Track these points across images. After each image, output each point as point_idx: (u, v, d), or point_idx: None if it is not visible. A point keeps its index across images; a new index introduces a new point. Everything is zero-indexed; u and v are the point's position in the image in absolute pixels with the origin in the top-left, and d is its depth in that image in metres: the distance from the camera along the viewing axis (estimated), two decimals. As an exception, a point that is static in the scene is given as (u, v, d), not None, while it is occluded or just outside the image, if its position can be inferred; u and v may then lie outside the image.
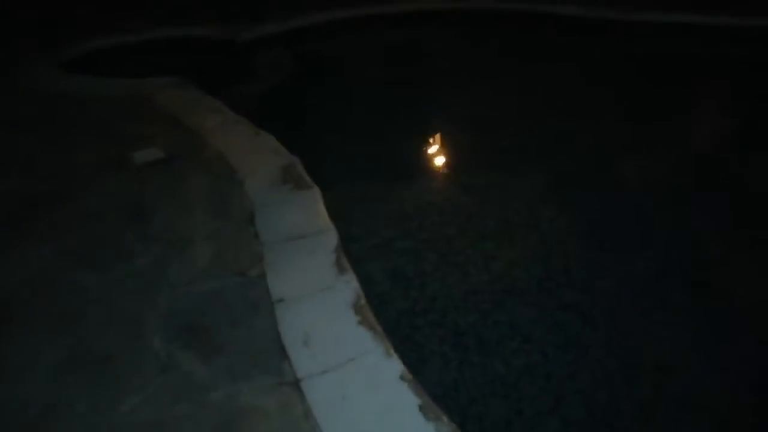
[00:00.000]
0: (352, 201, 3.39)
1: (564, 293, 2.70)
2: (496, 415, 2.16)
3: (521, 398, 2.22)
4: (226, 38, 5.92)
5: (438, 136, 4.30)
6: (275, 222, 2.75)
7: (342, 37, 6.45)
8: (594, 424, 2.14)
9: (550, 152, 3.98)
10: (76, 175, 3.26)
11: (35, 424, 1.82)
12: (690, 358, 2.37)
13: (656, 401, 2.22)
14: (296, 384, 1.88)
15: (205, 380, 1.91)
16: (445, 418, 1.75)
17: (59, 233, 2.74)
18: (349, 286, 2.28)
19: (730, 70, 5.38)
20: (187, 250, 2.56)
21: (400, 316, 2.59)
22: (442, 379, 2.28)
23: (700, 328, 2.50)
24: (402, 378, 1.88)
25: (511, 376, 2.29)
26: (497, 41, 6.41)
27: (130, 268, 2.46)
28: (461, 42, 6.51)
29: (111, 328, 2.15)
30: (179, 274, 2.41)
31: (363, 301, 2.20)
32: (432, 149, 4.18)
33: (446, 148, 4.20)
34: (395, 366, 1.92)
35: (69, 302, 2.29)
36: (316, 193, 2.95)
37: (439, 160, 4.04)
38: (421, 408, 1.77)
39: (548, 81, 5.27)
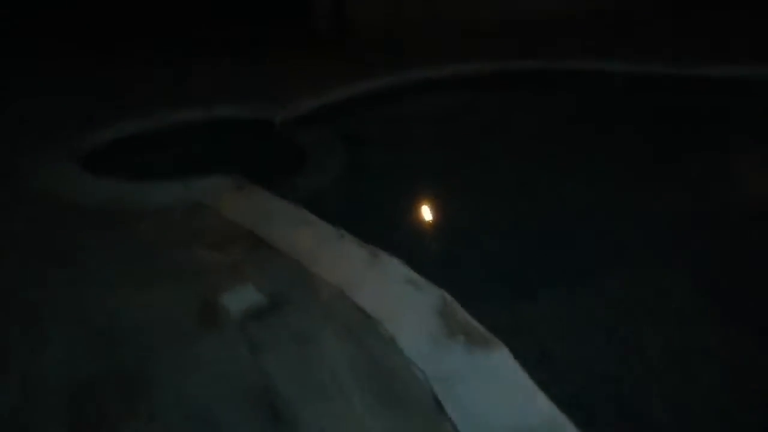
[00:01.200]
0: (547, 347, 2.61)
1: None
2: None
3: None
4: (262, 118, 5.17)
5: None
6: (474, 409, 1.96)
7: (388, 108, 5.79)
8: None
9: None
10: (152, 342, 2.39)
11: None
12: None
13: None
14: None
15: None
16: None
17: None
18: None
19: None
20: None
21: None
22: None
23: None
24: None
25: None
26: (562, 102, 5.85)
27: None
28: (522, 104, 5.93)
29: None
30: None
31: None
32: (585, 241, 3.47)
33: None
34: None
35: None
36: (505, 354, 2.18)
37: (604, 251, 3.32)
38: None
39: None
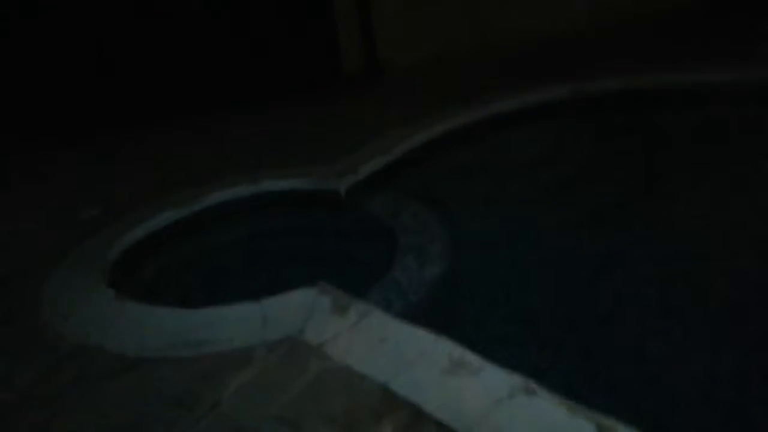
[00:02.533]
0: None
1: None
2: None
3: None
4: (324, 189, 4.18)
5: None
6: None
7: (460, 155, 4.80)
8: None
9: None
10: None
11: None
12: None
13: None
14: None
15: None
16: None
17: None
18: None
19: None
20: None
21: None
22: None
23: None
24: None
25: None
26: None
27: None
28: (620, 131, 4.95)
29: None
30: None
31: None
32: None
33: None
34: None
35: None
36: None
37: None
38: None
39: None
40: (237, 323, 2.74)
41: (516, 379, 2.10)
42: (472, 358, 2.25)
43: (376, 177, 4.35)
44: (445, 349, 2.33)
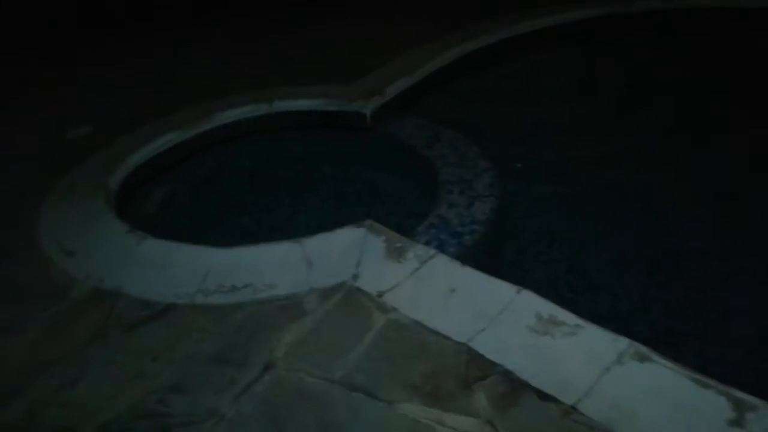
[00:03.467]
0: None
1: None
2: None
3: None
4: (348, 110, 3.73)
5: None
6: None
7: (488, 75, 4.36)
8: None
9: None
10: None
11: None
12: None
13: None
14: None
15: None
16: None
17: None
18: None
19: None
20: None
21: None
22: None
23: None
24: None
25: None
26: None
27: None
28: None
29: None
30: None
31: None
32: None
33: None
34: None
35: None
36: None
37: None
38: None
39: None
40: (278, 266, 2.39)
41: (622, 342, 1.84)
42: (566, 316, 1.97)
43: (403, 99, 3.92)
44: (531, 304, 2.04)
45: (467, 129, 3.69)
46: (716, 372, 1.72)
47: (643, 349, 1.81)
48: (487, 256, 2.69)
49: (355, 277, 2.28)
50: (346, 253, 2.40)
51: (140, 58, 5.25)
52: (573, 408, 1.68)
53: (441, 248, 2.56)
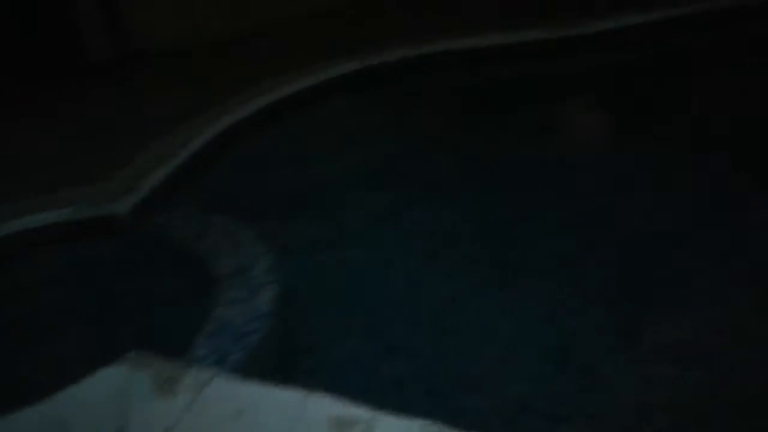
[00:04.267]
0: None
1: None
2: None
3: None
4: (101, 215, 3.29)
5: None
6: None
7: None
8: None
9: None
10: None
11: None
12: None
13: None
14: None
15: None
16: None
17: None
18: None
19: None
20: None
21: None
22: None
23: None
24: None
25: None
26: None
27: None
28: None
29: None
30: None
31: None
32: None
33: None
34: None
35: None
36: None
37: None
38: None
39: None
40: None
41: (417, 425, 1.75)
42: (359, 412, 1.83)
43: (165, 189, 3.60)
44: (322, 406, 1.88)
45: (241, 210, 3.50)
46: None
47: (440, 428, 1.74)
48: (278, 351, 2.50)
49: (122, 429, 1.92)
50: (108, 401, 2.02)
51: None
52: None
53: (223, 360, 2.31)
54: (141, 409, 1.97)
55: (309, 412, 1.87)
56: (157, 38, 5.76)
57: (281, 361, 2.49)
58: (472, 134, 4.17)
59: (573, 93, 4.97)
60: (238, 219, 3.31)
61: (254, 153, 4.19)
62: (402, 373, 2.43)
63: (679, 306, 2.57)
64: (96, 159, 3.98)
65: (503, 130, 4.16)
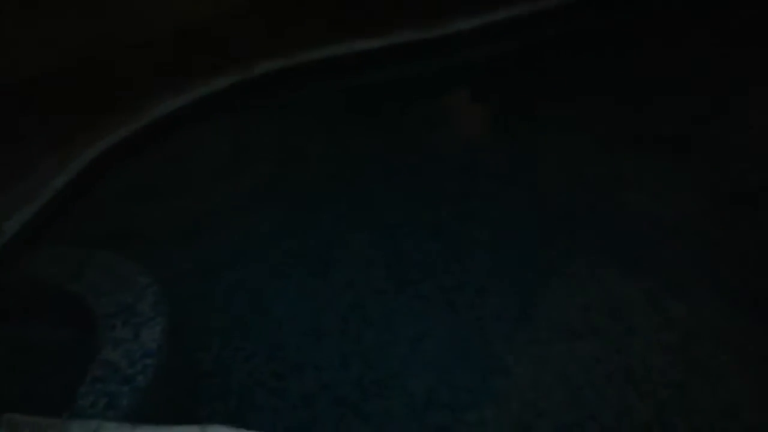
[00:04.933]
0: None
1: None
2: None
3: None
4: None
5: None
6: None
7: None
8: None
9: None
10: None
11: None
12: None
13: None
14: None
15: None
16: None
17: None
18: None
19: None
20: None
21: None
22: None
23: None
24: None
25: None
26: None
27: None
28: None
29: None
30: None
31: None
32: None
33: None
34: None
35: None
36: None
37: None
38: None
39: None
40: None
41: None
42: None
43: (33, 229, 3.35)
44: (217, 443, 1.85)
45: (120, 242, 3.33)
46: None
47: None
48: (169, 388, 2.41)
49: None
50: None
51: None
52: None
53: (111, 405, 2.20)
54: None
55: (204, 449, 1.83)
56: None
57: (175, 397, 2.41)
58: (353, 140, 4.23)
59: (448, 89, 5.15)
60: (118, 252, 3.15)
61: (131, 179, 4.00)
62: (309, 389, 2.44)
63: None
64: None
65: (378, 134, 4.27)
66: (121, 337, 2.58)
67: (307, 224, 3.40)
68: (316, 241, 3.27)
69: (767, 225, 3.06)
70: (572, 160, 3.69)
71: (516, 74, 4.91)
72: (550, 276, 2.82)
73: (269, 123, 4.62)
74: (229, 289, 3.01)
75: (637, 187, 3.35)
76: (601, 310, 2.65)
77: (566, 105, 4.32)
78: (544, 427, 2.21)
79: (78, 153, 3.88)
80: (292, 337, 2.76)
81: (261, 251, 3.23)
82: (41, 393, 2.42)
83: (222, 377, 2.56)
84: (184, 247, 3.34)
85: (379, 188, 3.64)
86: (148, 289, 2.85)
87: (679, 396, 2.26)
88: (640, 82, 4.50)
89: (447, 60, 5.13)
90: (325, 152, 4.09)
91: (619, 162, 3.60)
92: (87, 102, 4.55)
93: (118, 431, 1.96)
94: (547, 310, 2.70)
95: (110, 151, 4.00)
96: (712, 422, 2.15)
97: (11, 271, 3.11)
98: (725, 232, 2.98)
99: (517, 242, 3.10)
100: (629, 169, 3.52)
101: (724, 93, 4.22)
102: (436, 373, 2.46)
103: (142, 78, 4.83)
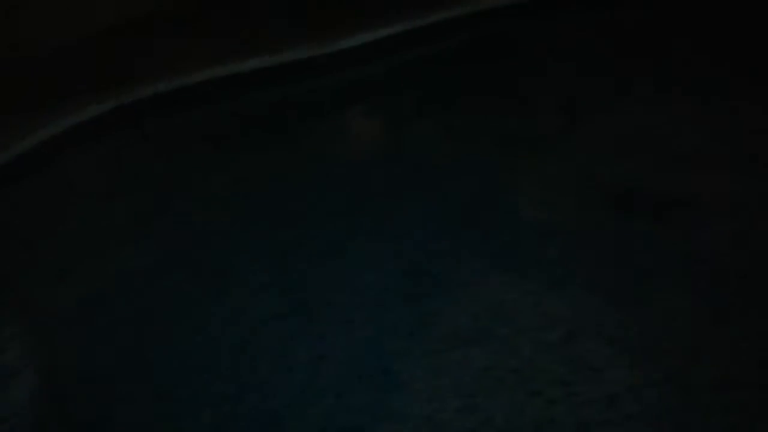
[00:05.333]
0: None
1: None
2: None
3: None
4: None
5: None
6: None
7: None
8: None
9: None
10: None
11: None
12: None
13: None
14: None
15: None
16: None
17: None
18: None
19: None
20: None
21: None
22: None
23: None
24: None
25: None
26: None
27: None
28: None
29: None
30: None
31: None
32: None
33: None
34: None
35: None
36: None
37: None
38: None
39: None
40: None
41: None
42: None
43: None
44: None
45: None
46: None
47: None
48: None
49: None
50: None
51: None
52: None
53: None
54: None
55: None
56: None
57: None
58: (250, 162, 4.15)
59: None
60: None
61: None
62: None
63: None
64: None
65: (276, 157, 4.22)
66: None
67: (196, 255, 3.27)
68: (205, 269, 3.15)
69: (640, 223, 3.27)
70: (459, 166, 3.82)
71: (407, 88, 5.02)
72: (438, 286, 2.87)
73: (156, 146, 4.43)
74: (110, 329, 2.82)
75: (517, 190, 3.52)
76: (491, 316, 2.71)
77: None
78: (441, 440, 2.22)
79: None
80: (183, 371, 2.62)
81: (143, 286, 3.06)
82: None
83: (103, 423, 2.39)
84: (60, 286, 3.09)
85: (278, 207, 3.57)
86: (14, 340, 2.61)
87: (565, 392, 2.34)
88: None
89: (337, 78, 5.14)
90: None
91: (498, 166, 3.77)
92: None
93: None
94: (441, 321, 2.74)
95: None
96: (594, 414, 2.23)
97: None
98: (600, 232, 3.17)
99: (403, 252, 3.15)
100: (506, 172, 3.70)
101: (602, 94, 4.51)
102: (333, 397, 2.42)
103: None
